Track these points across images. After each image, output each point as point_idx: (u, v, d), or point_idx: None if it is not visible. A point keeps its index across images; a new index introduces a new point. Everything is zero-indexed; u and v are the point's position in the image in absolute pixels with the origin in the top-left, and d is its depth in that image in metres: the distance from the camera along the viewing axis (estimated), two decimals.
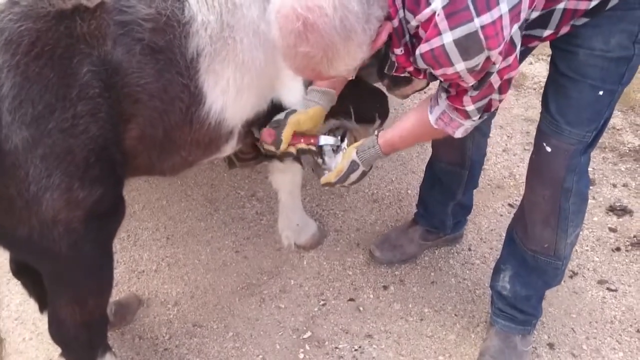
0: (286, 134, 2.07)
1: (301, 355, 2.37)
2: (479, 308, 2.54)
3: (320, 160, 2.18)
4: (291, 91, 2.13)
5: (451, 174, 2.54)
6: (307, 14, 1.48)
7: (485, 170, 3.16)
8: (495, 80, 1.65)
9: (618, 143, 3.40)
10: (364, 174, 2.13)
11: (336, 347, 2.40)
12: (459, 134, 1.88)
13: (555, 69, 1.90)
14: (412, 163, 3.24)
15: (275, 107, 2.14)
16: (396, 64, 1.80)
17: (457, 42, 1.50)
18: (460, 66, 1.54)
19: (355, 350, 2.39)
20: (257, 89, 1.99)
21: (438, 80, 1.80)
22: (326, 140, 2.16)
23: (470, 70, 1.56)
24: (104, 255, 1.90)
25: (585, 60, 1.80)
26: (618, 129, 3.50)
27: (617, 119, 3.56)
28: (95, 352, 2.05)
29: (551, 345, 2.40)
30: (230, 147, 2.14)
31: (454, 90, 1.73)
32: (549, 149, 1.94)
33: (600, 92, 1.83)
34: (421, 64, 1.63)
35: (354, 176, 2.12)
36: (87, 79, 1.61)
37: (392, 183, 3.15)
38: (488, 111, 1.82)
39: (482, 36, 1.48)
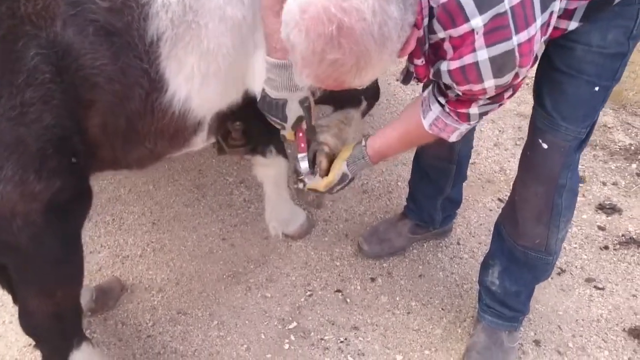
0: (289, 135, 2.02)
1: (286, 346, 2.35)
2: (467, 303, 2.53)
3: (301, 185, 2.12)
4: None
5: (439, 169, 2.52)
6: (343, 16, 1.32)
7: (475, 164, 3.15)
8: (509, 92, 1.64)
9: (609, 141, 3.40)
10: (351, 181, 2.10)
11: (322, 339, 2.38)
12: (453, 138, 1.83)
13: (550, 64, 1.85)
14: (403, 155, 3.19)
15: (251, 99, 2.04)
16: (414, 74, 1.72)
17: (492, 60, 1.45)
18: (489, 83, 1.51)
19: (341, 342, 2.37)
20: (225, 78, 1.89)
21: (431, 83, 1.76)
22: (302, 163, 2.10)
23: (498, 87, 1.53)
24: (70, 247, 1.82)
25: (582, 57, 1.77)
26: (609, 127, 3.49)
27: (608, 117, 3.55)
28: (70, 343, 1.99)
29: (537, 342, 2.39)
30: (200, 140, 2.06)
31: (464, 98, 1.67)
32: (545, 146, 1.92)
33: (596, 88, 1.81)
34: (446, 80, 1.57)
35: (341, 186, 2.09)
36: (35, 63, 1.51)
37: (382, 174, 3.12)
38: (485, 115, 1.78)
39: (517, 54, 1.45)
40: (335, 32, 1.34)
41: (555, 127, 1.88)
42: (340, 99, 2.34)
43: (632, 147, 3.36)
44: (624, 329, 2.45)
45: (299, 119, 1.97)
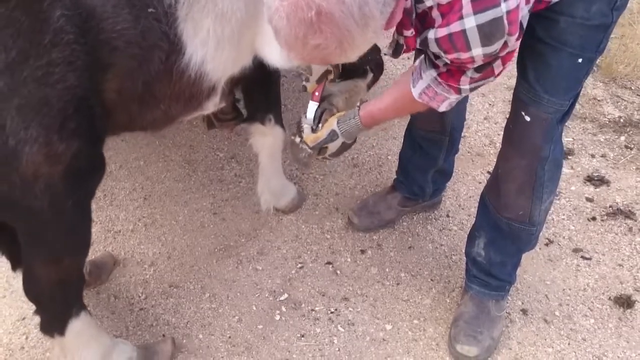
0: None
1: (277, 317, 2.38)
2: (455, 273, 2.57)
3: (298, 139, 2.12)
4: (273, 48, 2.00)
5: (431, 141, 2.53)
6: (321, 1, 1.30)
7: (465, 137, 3.16)
8: (497, 64, 1.62)
9: (598, 114, 3.41)
10: (344, 145, 2.08)
11: (312, 310, 2.41)
12: (443, 107, 1.83)
13: (533, 36, 1.82)
14: (394, 129, 3.22)
15: (262, 64, 2.05)
16: (403, 47, 1.69)
17: (480, 28, 1.43)
18: (477, 51, 1.49)
19: (332, 312, 2.40)
20: (239, 42, 1.91)
21: (422, 53, 1.75)
22: (310, 112, 2.10)
23: (486, 56, 1.51)
24: (83, 214, 1.84)
25: (565, 28, 1.76)
26: (599, 100, 3.50)
27: (598, 90, 3.56)
28: (70, 310, 2.00)
29: (524, 311, 2.43)
30: (212, 104, 2.07)
31: (453, 69, 1.66)
32: (528, 118, 1.91)
33: (579, 60, 1.81)
34: (434, 48, 1.55)
35: (333, 146, 2.08)
36: (60, 24, 1.52)
37: (372, 148, 3.14)
38: (476, 89, 1.77)
39: (506, 22, 1.43)
40: (314, 17, 1.32)
41: (537, 100, 1.88)
42: (347, 71, 2.34)
43: (622, 120, 3.38)
44: (609, 297, 2.49)
45: (326, 73, 1.97)
